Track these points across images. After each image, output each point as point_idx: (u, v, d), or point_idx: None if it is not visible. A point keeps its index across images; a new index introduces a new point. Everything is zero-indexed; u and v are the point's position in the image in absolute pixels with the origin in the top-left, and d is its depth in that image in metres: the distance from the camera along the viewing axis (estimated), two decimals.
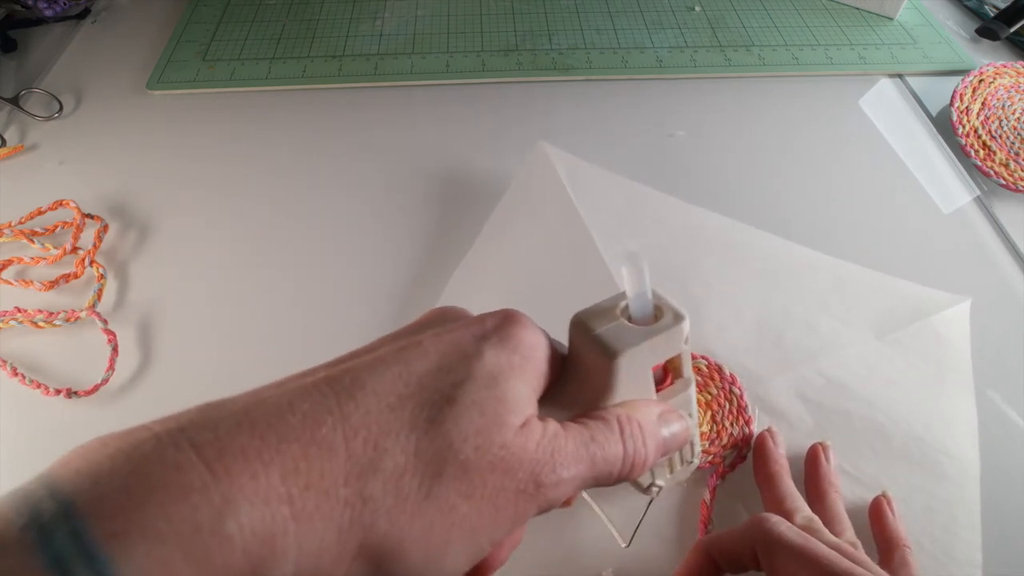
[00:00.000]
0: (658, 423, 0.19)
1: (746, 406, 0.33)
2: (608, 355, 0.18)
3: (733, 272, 0.38)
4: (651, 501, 0.25)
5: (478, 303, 0.20)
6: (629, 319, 0.19)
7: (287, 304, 0.38)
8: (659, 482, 0.23)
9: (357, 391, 0.15)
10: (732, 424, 0.32)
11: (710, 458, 0.31)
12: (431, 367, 0.16)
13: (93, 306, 0.37)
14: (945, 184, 0.44)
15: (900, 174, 0.45)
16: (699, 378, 0.33)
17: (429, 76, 0.51)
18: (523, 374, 0.17)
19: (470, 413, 0.15)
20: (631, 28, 0.55)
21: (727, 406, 0.33)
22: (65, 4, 0.56)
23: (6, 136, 0.47)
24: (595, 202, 0.40)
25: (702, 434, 0.32)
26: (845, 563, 0.22)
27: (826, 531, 0.26)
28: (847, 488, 0.30)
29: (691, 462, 0.24)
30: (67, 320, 0.36)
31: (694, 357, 0.34)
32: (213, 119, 0.49)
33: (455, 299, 0.36)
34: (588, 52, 0.53)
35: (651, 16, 0.56)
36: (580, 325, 0.19)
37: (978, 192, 0.43)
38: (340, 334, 0.36)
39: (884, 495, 0.29)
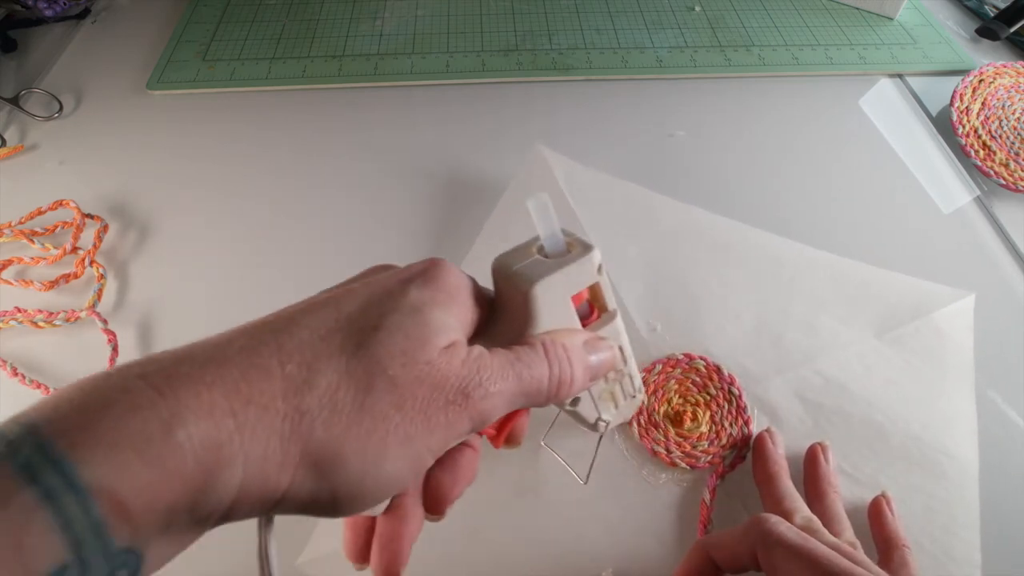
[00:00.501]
0: (583, 348, 0.21)
1: (745, 406, 0.33)
2: (524, 286, 0.19)
3: (731, 272, 0.38)
4: (600, 437, 0.28)
5: None
6: (544, 255, 0.21)
7: (286, 303, 0.38)
8: (605, 417, 0.24)
9: (292, 326, 0.17)
10: (731, 424, 0.32)
11: (709, 458, 0.31)
12: (360, 305, 0.18)
13: (93, 306, 0.37)
14: (945, 184, 0.44)
15: (900, 174, 0.45)
16: (698, 378, 0.33)
17: (429, 76, 0.51)
18: (447, 307, 0.18)
19: (395, 336, 0.17)
20: (631, 28, 0.55)
21: (726, 406, 0.33)
22: (65, 4, 0.56)
23: (6, 136, 0.47)
24: (591, 203, 0.40)
25: (701, 434, 0.32)
26: (844, 563, 0.22)
27: (825, 531, 0.26)
28: (846, 488, 0.30)
29: (634, 396, 0.25)
30: (67, 320, 0.36)
31: (692, 357, 0.34)
32: (213, 119, 0.49)
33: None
34: (588, 52, 0.53)
35: (651, 16, 0.56)
36: (499, 265, 0.20)
37: (978, 192, 0.43)
38: None
39: (883, 495, 0.29)
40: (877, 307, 0.36)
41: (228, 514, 0.15)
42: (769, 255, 0.38)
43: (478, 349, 0.18)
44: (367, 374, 0.16)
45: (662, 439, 0.32)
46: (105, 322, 0.36)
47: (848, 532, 0.27)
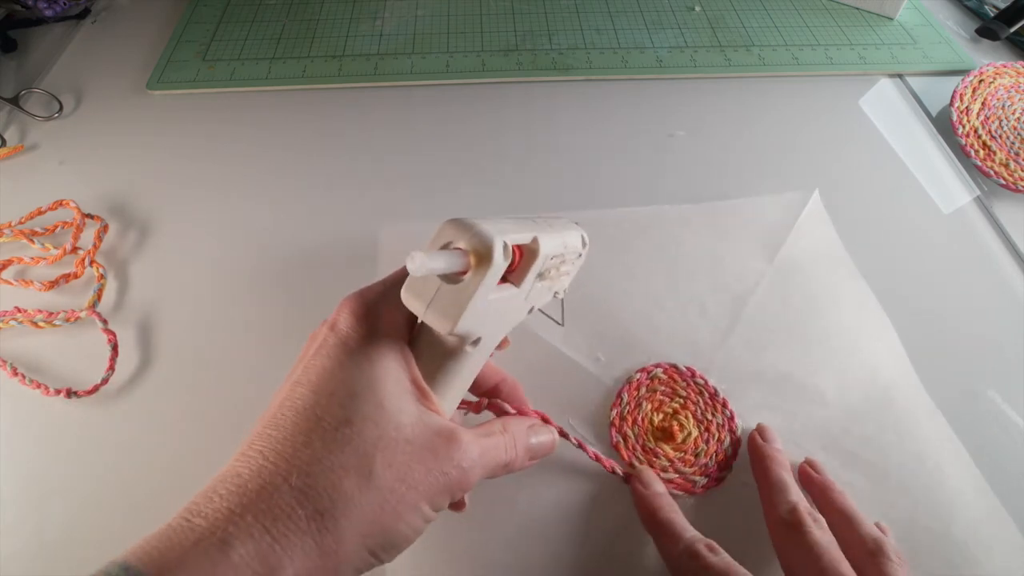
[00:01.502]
0: (527, 433, 0.26)
1: (715, 390, 0.33)
2: (447, 331, 0.20)
3: (628, 261, 0.39)
4: (562, 302, 0.31)
5: None
6: (453, 279, 0.20)
7: (287, 304, 0.38)
8: (560, 288, 0.27)
9: (274, 442, 0.20)
10: (713, 414, 0.33)
11: (715, 458, 0.31)
12: (314, 397, 0.20)
13: (93, 306, 0.37)
14: (945, 184, 0.44)
15: (900, 174, 0.45)
16: (664, 387, 0.34)
17: (429, 76, 0.51)
18: (377, 349, 0.21)
19: (365, 423, 0.20)
20: (631, 28, 0.55)
21: (700, 400, 0.33)
22: (65, 4, 0.56)
23: (6, 136, 0.47)
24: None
25: (696, 438, 0.32)
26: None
27: (814, 525, 0.26)
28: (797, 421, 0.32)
29: (580, 255, 0.28)
30: (67, 320, 0.36)
31: (648, 370, 0.34)
32: (213, 119, 0.49)
33: None
34: (588, 52, 0.53)
35: (651, 16, 0.56)
36: (415, 303, 0.21)
37: (978, 192, 0.43)
38: None
39: (806, 460, 0.30)
40: (757, 235, 0.39)
41: None
42: (646, 230, 0.40)
43: (468, 435, 0.22)
44: (359, 461, 0.19)
45: (668, 464, 0.31)
46: (105, 322, 0.36)
47: (865, 527, 0.27)
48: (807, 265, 0.38)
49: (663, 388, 0.34)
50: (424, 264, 0.18)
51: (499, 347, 0.26)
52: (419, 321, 0.22)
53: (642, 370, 0.34)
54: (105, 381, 0.34)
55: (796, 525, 0.26)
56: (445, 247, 0.20)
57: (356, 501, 0.19)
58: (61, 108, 0.49)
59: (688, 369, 0.34)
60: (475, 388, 0.29)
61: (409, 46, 0.54)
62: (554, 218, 0.27)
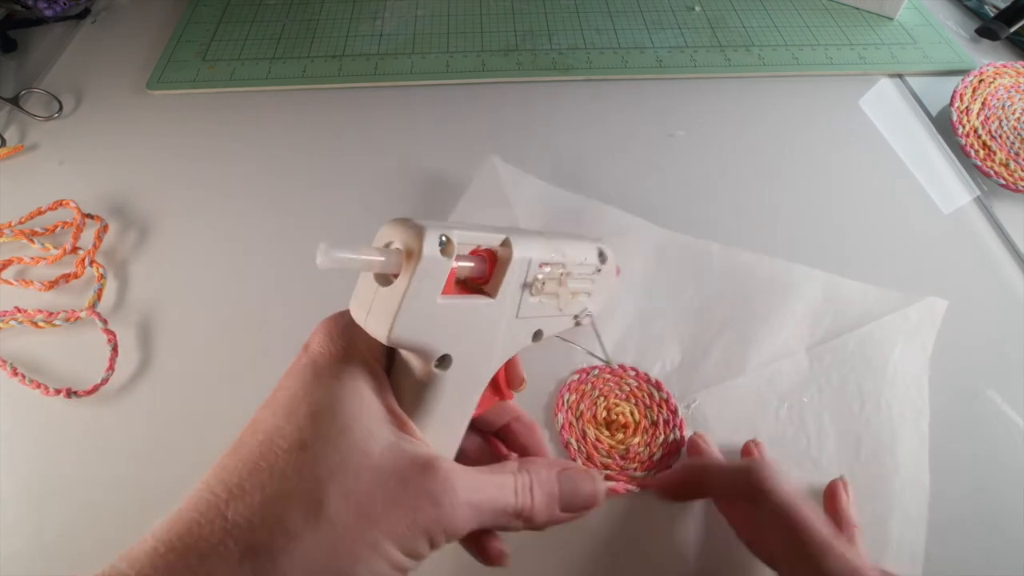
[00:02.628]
0: (557, 478, 0.21)
1: (676, 408, 0.33)
2: (381, 336, 0.18)
3: (674, 281, 0.38)
4: (593, 325, 0.26)
5: None
6: (382, 284, 0.18)
7: (287, 303, 0.38)
8: (583, 313, 0.24)
9: (228, 474, 0.17)
10: (658, 409, 0.33)
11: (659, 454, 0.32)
12: (274, 422, 0.18)
13: (93, 306, 0.37)
14: (945, 184, 0.44)
15: (900, 174, 0.45)
16: (628, 388, 0.34)
17: (429, 76, 0.51)
18: (346, 387, 0.18)
19: (324, 451, 0.17)
20: (631, 28, 0.55)
21: (656, 409, 0.33)
22: (65, 4, 0.56)
23: (6, 136, 0.47)
24: (534, 215, 0.41)
25: (637, 427, 0.33)
26: (824, 529, 0.24)
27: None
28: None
29: (599, 270, 0.25)
30: (67, 320, 0.36)
31: (624, 369, 0.34)
32: (213, 119, 0.49)
33: None
34: (588, 52, 0.53)
35: (651, 16, 0.56)
36: (357, 314, 0.19)
37: (978, 192, 0.43)
38: None
39: (841, 479, 0.30)
40: (817, 316, 0.36)
41: None
42: (709, 263, 0.39)
43: (452, 467, 0.18)
44: (309, 488, 0.16)
45: (613, 460, 0.32)
46: (105, 322, 0.36)
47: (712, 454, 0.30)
48: (859, 370, 0.34)
49: (627, 388, 0.34)
50: (329, 255, 0.15)
51: (512, 386, 0.23)
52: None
53: (622, 366, 0.35)
54: (105, 381, 0.34)
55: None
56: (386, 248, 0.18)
57: (300, 537, 0.16)
58: (61, 108, 0.49)
59: (656, 381, 0.34)
60: (480, 429, 0.25)
61: (409, 46, 0.54)
62: (577, 235, 0.25)
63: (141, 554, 0.16)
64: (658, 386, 0.34)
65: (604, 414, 0.33)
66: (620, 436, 0.32)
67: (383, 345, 0.19)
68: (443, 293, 0.18)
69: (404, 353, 0.19)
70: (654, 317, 0.37)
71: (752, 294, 0.37)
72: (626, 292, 0.37)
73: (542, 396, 0.34)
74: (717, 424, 0.33)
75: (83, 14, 0.58)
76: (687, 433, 0.33)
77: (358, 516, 0.16)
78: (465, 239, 0.19)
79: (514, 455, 0.24)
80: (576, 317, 0.24)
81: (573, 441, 0.32)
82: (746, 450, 0.32)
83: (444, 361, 0.19)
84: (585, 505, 0.21)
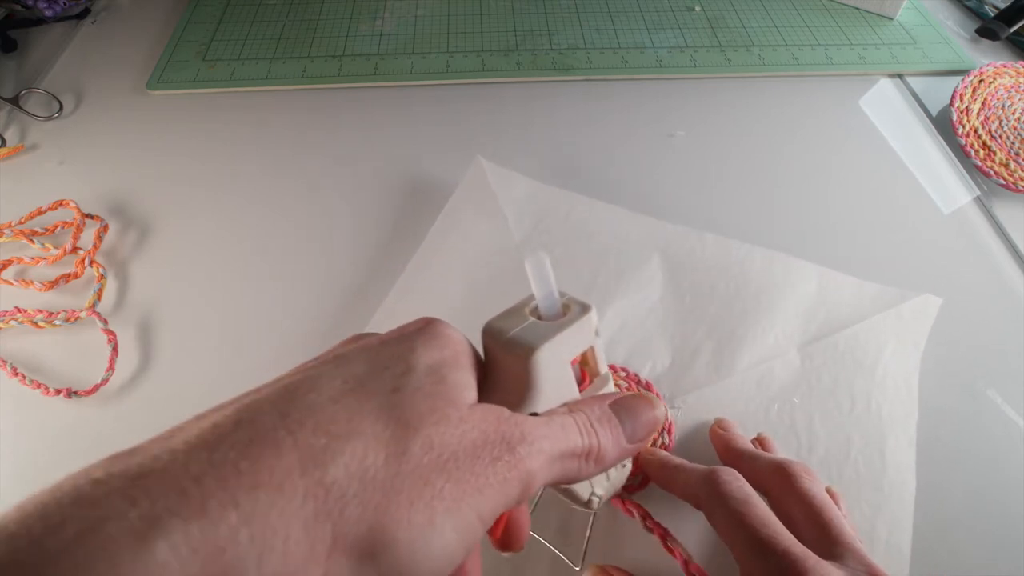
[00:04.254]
0: (609, 410, 0.19)
1: (665, 408, 0.33)
2: (524, 353, 0.18)
3: (668, 275, 0.37)
4: (594, 515, 0.25)
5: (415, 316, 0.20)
6: (539, 317, 0.19)
7: (287, 303, 0.38)
8: (598, 492, 0.22)
9: (292, 393, 0.14)
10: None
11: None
12: (368, 368, 0.16)
13: (93, 306, 0.37)
14: (945, 184, 0.44)
15: (900, 174, 0.45)
16: (619, 389, 0.33)
17: (429, 76, 0.51)
18: (458, 367, 0.17)
19: (417, 397, 0.15)
20: (631, 28, 0.55)
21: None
22: (65, 4, 0.56)
23: (6, 136, 0.47)
24: (524, 215, 0.40)
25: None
26: (771, 530, 0.22)
27: (728, 478, 0.25)
28: None
29: (625, 466, 0.24)
30: (67, 320, 0.36)
31: (612, 368, 0.33)
32: (213, 119, 0.49)
33: (392, 313, 0.36)
34: (588, 52, 0.53)
35: (651, 16, 0.56)
36: (492, 331, 0.19)
37: (978, 192, 0.43)
38: (341, 333, 0.36)
39: (829, 489, 0.29)
40: (810, 312, 0.36)
41: None
42: (706, 262, 0.38)
43: (506, 410, 0.17)
44: (398, 437, 0.14)
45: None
46: (105, 322, 0.36)
47: (763, 457, 0.27)
48: (849, 368, 0.34)
49: (618, 386, 0.33)
50: (540, 258, 0.18)
51: (511, 539, 0.21)
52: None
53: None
54: (105, 381, 0.34)
55: (716, 483, 0.24)
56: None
57: (379, 482, 0.13)
58: (61, 108, 0.49)
59: (647, 382, 0.33)
60: None
61: (409, 46, 0.54)
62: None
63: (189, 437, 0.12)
64: (648, 387, 0.33)
65: None
66: None
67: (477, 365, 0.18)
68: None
69: (500, 395, 0.19)
70: (647, 313, 0.36)
71: (745, 288, 0.36)
72: (623, 288, 0.37)
73: None
74: (706, 427, 0.32)
75: (83, 14, 0.58)
76: (675, 437, 0.32)
77: (438, 470, 0.14)
78: (600, 341, 0.21)
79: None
80: (592, 494, 0.22)
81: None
82: (713, 435, 0.31)
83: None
84: (650, 430, 0.20)
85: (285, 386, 0.15)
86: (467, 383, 0.16)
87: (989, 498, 0.31)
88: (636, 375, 0.34)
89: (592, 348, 0.20)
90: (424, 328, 0.17)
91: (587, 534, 0.26)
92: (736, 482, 0.24)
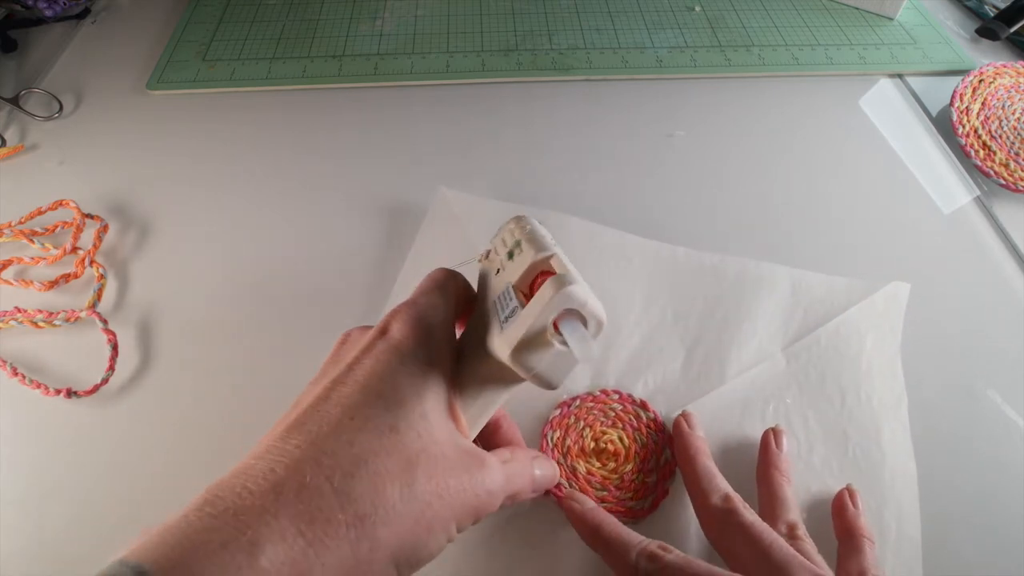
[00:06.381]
0: (532, 464, 0.25)
1: (663, 426, 0.32)
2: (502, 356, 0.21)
3: (646, 291, 0.37)
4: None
5: None
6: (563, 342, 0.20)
7: (287, 303, 0.38)
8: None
9: (319, 438, 0.19)
10: (651, 435, 0.32)
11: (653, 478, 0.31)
12: (363, 398, 0.20)
13: (93, 306, 0.37)
14: (945, 184, 0.44)
15: (900, 174, 0.45)
16: (614, 413, 0.33)
17: (429, 76, 0.51)
18: (427, 365, 0.21)
19: (411, 436, 0.20)
20: (631, 28, 0.55)
21: (644, 430, 0.32)
22: (65, 4, 0.56)
23: (6, 136, 0.47)
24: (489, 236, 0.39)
25: (628, 453, 0.31)
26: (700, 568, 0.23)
27: (745, 509, 0.26)
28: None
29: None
30: (67, 320, 0.36)
31: (645, 407, 0.33)
32: (213, 119, 0.49)
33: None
34: (588, 52, 0.53)
35: (651, 16, 0.56)
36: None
37: (978, 192, 0.43)
38: (342, 332, 0.36)
39: (848, 488, 0.29)
40: (788, 314, 0.36)
41: None
42: (665, 266, 0.38)
43: (477, 453, 0.22)
44: (405, 471, 0.19)
45: (611, 491, 0.30)
46: (105, 322, 0.36)
47: (790, 514, 0.27)
48: (834, 364, 0.34)
49: (589, 414, 0.33)
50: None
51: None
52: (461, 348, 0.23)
53: (604, 391, 0.33)
54: (105, 381, 0.34)
55: (731, 512, 0.25)
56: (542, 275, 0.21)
57: (397, 510, 0.18)
58: (61, 108, 0.49)
59: (641, 400, 0.33)
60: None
61: (409, 46, 0.54)
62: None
63: (247, 512, 0.17)
64: (644, 406, 0.33)
65: (592, 444, 0.32)
66: (612, 465, 0.31)
67: (453, 345, 0.23)
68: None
69: (491, 367, 0.22)
70: (632, 332, 0.36)
71: (723, 297, 0.37)
72: (606, 307, 0.36)
73: (525, 437, 0.30)
74: (707, 436, 0.32)
75: (83, 14, 0.58)
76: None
77: (437, 496, 0.19)
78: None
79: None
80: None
81: (564, 481, 0.30)
82: (762, 440, 0.30)
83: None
84: (548, 485, 0.27)
85: (302, 422, 0.19)
86: (432, 387, 0.21)
87: (989, 498, 0.31)
88: (629, 395, 0.33)
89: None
90: (384, 329, 0.22)
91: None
92: (748, 510, 0.26)
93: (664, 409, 0.33)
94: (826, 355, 0.35)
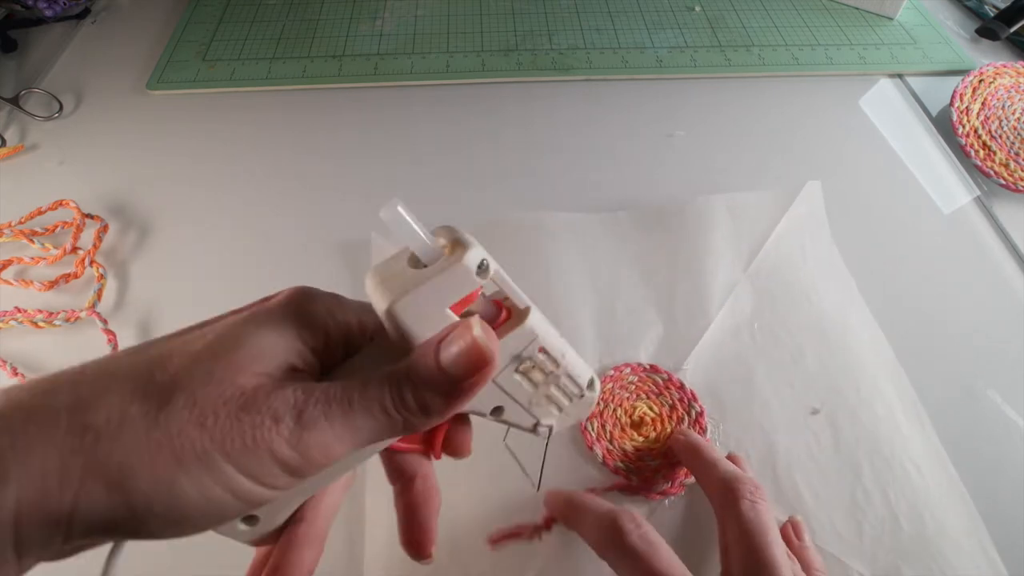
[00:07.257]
0: (433, 353, 0.17)
1: (680, 382, 0.33)
2: (380, 307, 0.17)
3: (608, 262, 0.39)
4: (547, 443, 0.24)
5: None
6: (416, 265, 0.18)
7: None
8: (546, 421, 0.22)
9: (83, 368, 0.17)
10: (675, 399, 0.33)
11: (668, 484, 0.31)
12: (171, 335, 0.18)
13: (93, 306, 0.37)
14: (945, 184, 0.44)
15: (900, 174, 0.45)
16: (632, 384, 0.33)
17: (429, 76, 0.51)
18: (277, 330, 0.18)
19: (200, 358, 0.17)
20: (631, 28, 0.55)
21: (667, 392, 0.33)
22: (65, 4, 0.56)
23: (6, 136, 0.47)
24: None
25: (660, 430, 0.32)
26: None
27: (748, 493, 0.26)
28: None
29: (582, 396, 0.22)
30: (67, 320, 0.36)
31: (657, 370, 0.34)
32: (213, 119, 0.49)
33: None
34: (588, 52, 0.53)
35: (651, 16, 0.56)
36: (369, 282, 0.18)
37: (978, 192, 0.43)
38: None
39: (790, 520, 0.29)
40: (735, 237, 0.39)
41: (22, 541, 0.14)
42: (602, 236, 0.40)
43: (308, 383, 0.17)
44: (164, 391, 0.16)
45: (650, 464, 0.31)
46: (105, 322, 0.36)
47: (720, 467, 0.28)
48: (787, 270, 0.38)
49: (611, 393, 0.34)
50: (394, 210, 0.17)
51: (448, 451, 0.22)
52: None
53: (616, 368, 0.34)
54: None
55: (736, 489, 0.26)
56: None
57: (131, 428, 0.15)
58: (61, 108, 0.49)
59: (691, 391, 0.34)
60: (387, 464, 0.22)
61: (409, 46, 0.54)
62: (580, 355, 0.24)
63: None
64: (655, 369, 0.34)
65: (627, 419, 0.33)
66: (653, 434, 0.32)
67: (335, 334, 0.19)
68: (452, 307, 0.18)
69: (376, 349, 0.19)
70: (613, 304, 0.37)
71: (677, 242, 0.39)
72: (580, 292, 0.37)
73: (568, 441, 0.32)
74: (717, 377, 0.34)
75: (83, 14, 0.58)
76: (703, 404, 0.33)
77: (194, 424, 0.15)
78: (498, 279, 0.19)
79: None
80: (536, 424, 0.22)
81: (621, 464, 0.31)
82: (783, 531, 0.29)
83: None
84: (474, 363, 0.17)
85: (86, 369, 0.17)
86: (269, 350, 0.17)
87: (990, 498, 0.31)
88: (639, 365, 0.34)
89: (486, 286, 0.19)
90: (272, 295, 0.20)
91: (543, 459, 0.26)
92: (638, 530, 0.25)
93: (671, 363, 0.34)
94: (779, 265, 0.38)
